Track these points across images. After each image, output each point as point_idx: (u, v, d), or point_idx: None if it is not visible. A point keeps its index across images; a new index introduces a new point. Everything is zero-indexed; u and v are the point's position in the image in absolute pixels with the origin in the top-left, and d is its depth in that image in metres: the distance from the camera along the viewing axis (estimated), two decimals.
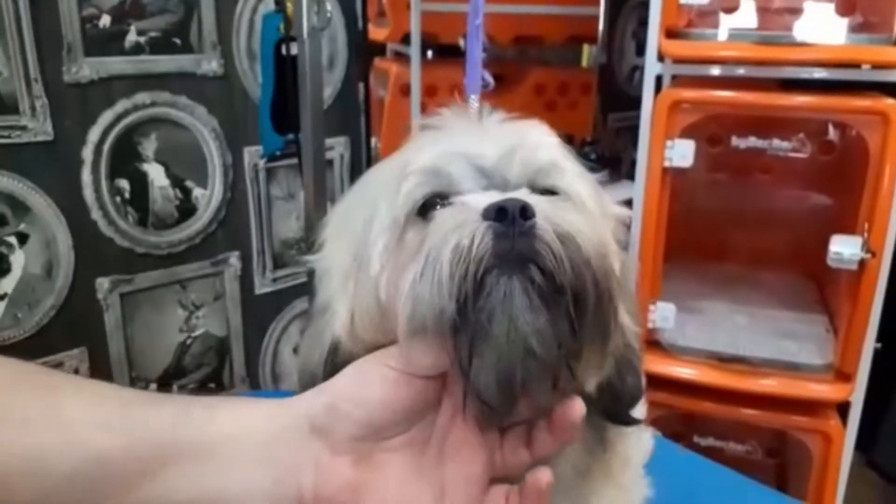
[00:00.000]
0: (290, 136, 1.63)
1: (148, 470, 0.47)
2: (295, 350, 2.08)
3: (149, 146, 1.73)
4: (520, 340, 0.43)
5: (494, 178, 0.50)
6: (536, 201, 0.46)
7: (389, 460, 0.48)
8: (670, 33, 1.50)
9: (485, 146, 0.51)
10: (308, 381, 0.54)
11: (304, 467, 0.48)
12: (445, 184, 0.50)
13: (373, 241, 0.50)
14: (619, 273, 0.49)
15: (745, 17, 1.49)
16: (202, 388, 1.96)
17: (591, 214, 0.50)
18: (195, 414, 0.49)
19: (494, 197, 0.46)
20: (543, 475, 0.47)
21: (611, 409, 0.54)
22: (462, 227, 0.44)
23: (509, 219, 0.44)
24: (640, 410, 0.87)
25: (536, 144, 0.52)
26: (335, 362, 0.53)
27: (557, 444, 0.48)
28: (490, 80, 0.82)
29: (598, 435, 0.56)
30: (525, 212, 0.44)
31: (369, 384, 0.47)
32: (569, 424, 0.47)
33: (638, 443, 0.82)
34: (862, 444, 1.60)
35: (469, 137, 0.52)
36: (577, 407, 0.47)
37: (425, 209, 0.49)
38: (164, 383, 1.87)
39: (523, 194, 0.47)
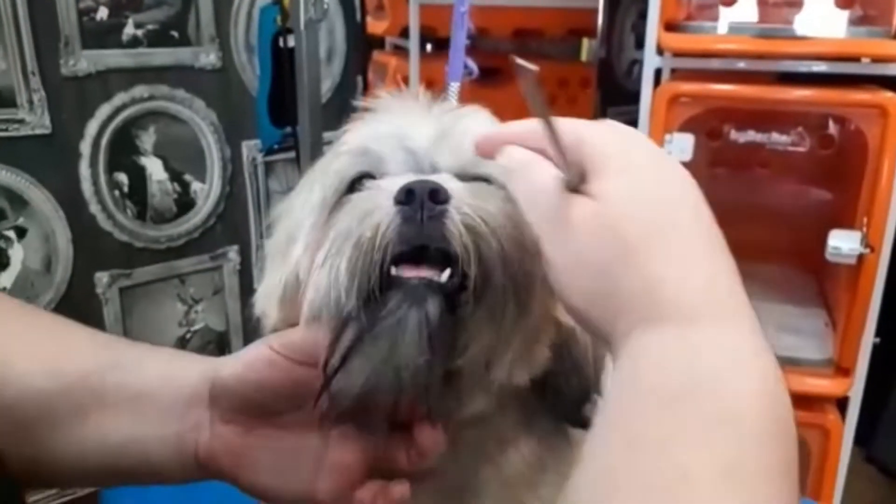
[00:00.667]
0: (288, 129, 1.63)
1: (79, 411, 0.51)
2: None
3: (147, 140, 1.73)
4: (400, 359, 0.43)
5: (423, 162, 0.49)
6: (454, 186, 0.45)
7: (272, 436, 0.50)
8: (669, 26, 1.49)
9: (418, 129, 0.50)
10: None
11: (201, 428, 0.51)
12: (374, 164, 0.50)
13: (303, 221, 0.50)
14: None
15: (745, 10, 1.49)
16: None
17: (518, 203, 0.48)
18: (128, 363, 0.53)
19: (409, 178, 0.45)
20: (397, 490, 0.48)
21: (557, 408, 0.53)
22: (370, 213, 0.44)
23: (417, 202, 0.42)
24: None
25: (472, 131, 0.51)
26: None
27: (418, 462, 0.48)
28: (474, 67, 0.81)
29: (556, 428, 0.55)
30: (436, 195, 0.43)
31: (252, 364, 0.49)
32: (425, 450, 0.48)
33: None
34: (861, 439, 1.60)
35: (405, 120, 0.51)
36: (431, 437, 0.47)
37: (354, 189, 0.49)
38: None
39: (443, 178, 0.46)
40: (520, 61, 0.39)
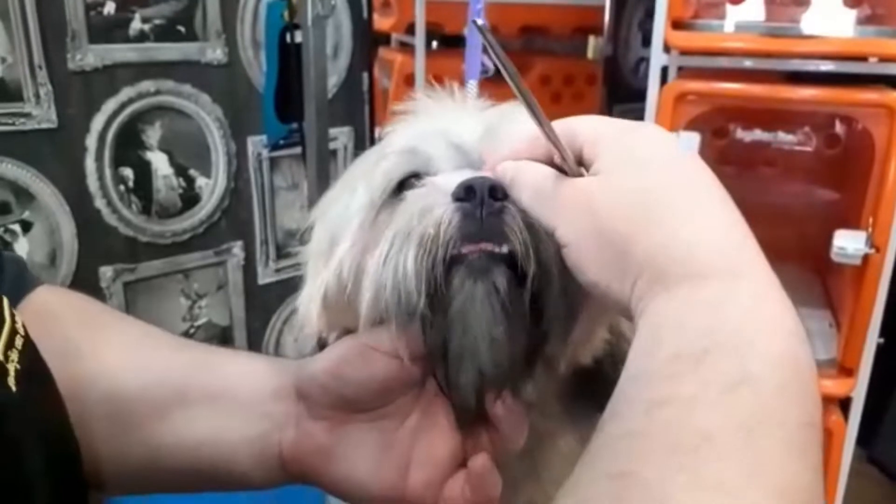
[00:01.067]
0: (294, 125, 1.63)
1: (161, 410, 0.52)
2: (296, 340, 2.08)
3: (153, 134, 1.73)
4: (482, 341, 0.43)
5: (474, 160, 0.49)
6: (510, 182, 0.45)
7: (363, 431, 0.50)
8: (676, 24, 1.49)
9: (464, 126, 0.50)
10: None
11: (287, 426, 0.51)
12: (423, 163, 0.49)
13: (348, 222, 0.50)
14: None
15: (752, 8, 1.48)
16: None
17: None
18: (210, 364, 0.54)
19: (466, 175, 0.45)
20: (477, 461, 0.47)
21: (602, 398, 0.53)
22: (430, 210, 0.43)
23: (478, 198, 0.42)
24: None
25: (518, 125, 0.50)
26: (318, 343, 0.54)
27: (504, 446, 0.48)
28: (490, 65, 0.81)
29: (594, 424, 0.55)
30: (495, 191, 0.43)
31: (345, 358, 0.49)
32: (510, 432, 0.47)
33: None
34: (863, 440, 1.59)
35: (449, 118, 0.51)
36: (512, 417, 0.47)
37: (402, 189, 0.49)
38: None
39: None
40: (477, 21, 0.39)
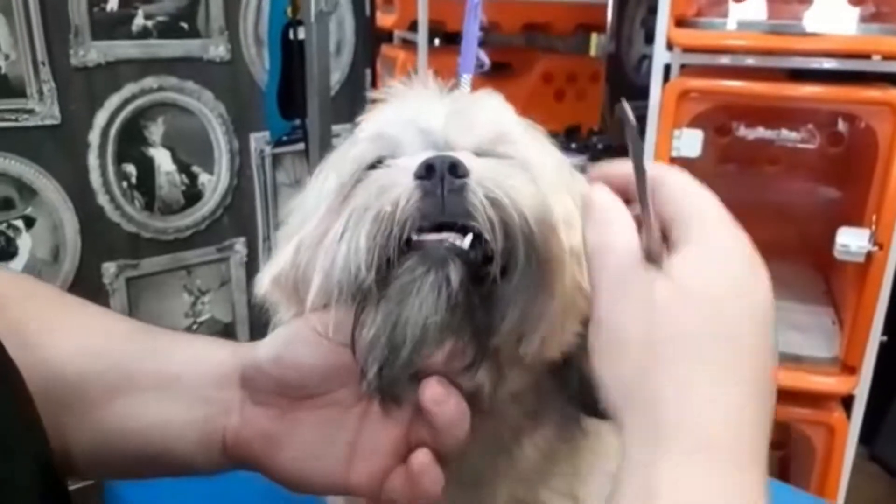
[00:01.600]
0: (297, 122, 1.63)
1: (108, 395, 0.51)
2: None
3: (155, 131, 1.73)
4: (412, 327, 0.42)
5: (440, 143, 0.49)
6: (472, 161, 0.44)
7: (308, 419, 0.49)
8: (679, 22, 1.49)
9: (433, 111, 0.50)
10: None
11: (231, 411, 0.50)
12: (390, 148, 0.49)
13: (317, 207, 0.50)
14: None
15: (755, 6, 1.48)
16: None
17: (540, 182, 0.47)
18: (160, 350, 0.54)
19: (427, 155, 0.45)
20: (417, 456, 0.46)
21: (580, 393, 0.52)
22: (389, 188, 0.43)
23: (437, 175, 0.42)
24: None
25: (487, 110, 0.51)
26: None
27: (444, 440, 0.46)
28: (486, 60, 0.81)
29: (571, 419, 0.54)
30: (455, 169, 0.42)
31: (290, 346, 0.48)
32: (449, 422, 0.45)
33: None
34: (865, 437, 1.59)
35: (418, 104, 0.51)
36: (454, 407, 0.45)
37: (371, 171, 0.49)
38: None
39: (462, 155, 0.46)
40: (626, 107, 0.38)
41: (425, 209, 0.42)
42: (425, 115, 0.50)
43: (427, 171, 0.43)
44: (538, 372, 0.50)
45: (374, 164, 0.49)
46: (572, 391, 0.51)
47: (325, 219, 0.48)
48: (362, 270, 0.42)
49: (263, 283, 0.53)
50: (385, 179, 0.44)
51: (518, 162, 0.49)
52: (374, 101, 0.54)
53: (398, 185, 0.43)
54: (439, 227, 0.43)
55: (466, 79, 0.74)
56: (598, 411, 0.50)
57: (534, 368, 0.49)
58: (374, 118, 0.52)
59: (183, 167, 1.79)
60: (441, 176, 0.42)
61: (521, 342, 0.45)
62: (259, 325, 1.82)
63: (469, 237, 0.42)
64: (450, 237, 0.42)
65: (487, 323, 0.43)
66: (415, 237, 0.42)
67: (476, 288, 0.43)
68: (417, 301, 0.42)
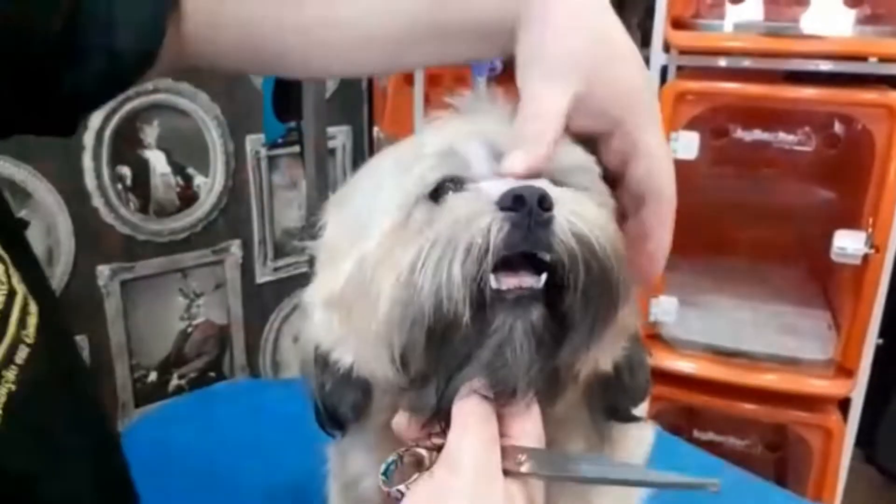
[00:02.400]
0: (293, 124, 1.62)
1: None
2: (295, 339, 2.08)
3: (150, 133, 1.72)
4: (514, 370, 0.43)
5: None
6: (556, 192, 0.44)
7: None
8: (677, 23, 1.49)
9: (501, 127, 0.49)
10: (307, 371, 0.54)
11: None
12: (460, 167, 0.47)
13: (376, 221, 0.48)
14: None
15: (753, 8, 1.48)
16: (202, 377, 1.96)
17: (609, 210, 0.48)
18: None
19: (511, 183, 0.44)
20: None
21: (616, 403, 0.53)
22: (475, 217, 0.42)
23: (526, 208, 0.41)
24: (641, 407, 0.87)
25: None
26: (320, 357, 0.52)
27: None
28: (498, 63, 0.81)
29: (601, 432, 0.55)
30: (543, 201, 0.42)
31: None
32: None
33: (639, 438, 0.81)
34: (861, 440, 1.59)
35: (487, 120, 0.50)
36: None
37: (437, 193, 0.47)
38: (164, 371, 1.87)
39: (543, 183, 0.45)
40: None
41: (511, 241, 0.42)
42: (498, 135, 0.48)
43: (514, 202, 0.42)
44: (585, 385, 0.50)
45: (443, 183, 0.47)
46: (608, 400, 0.52)
47: (391, 237, 0.46)
48: (459, 306, 0.42)
49: (315, 301, 0.51)
50: (469, 208, 0.43)
51: (592, 193, 0.48)
52: (437, 111, 0.53)
53: (485, 215, 0.42)
54: (519, 255, 0.43)
55: (480, 81, 0.74)
56: (625, 414, 0.53)
57: (584, 383, 0.49)
58: (439, 132, 0.49)
59: (178, 169, 1.79)
60: (530, 209, 0.42)
61: (582, 362, 0.46)
62: (253, 327, 1.81)
63: (544, 276, 0.43)
64: (528, 282, 0.43)
65: (565, 358, 0.45)
66: (494, 283, 0.42)
67: (552, 322, 0.44)
68: (509, 351, 0.43)
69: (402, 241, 0.45)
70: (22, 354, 0.44)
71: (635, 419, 0.54)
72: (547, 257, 0.42)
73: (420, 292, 0.42)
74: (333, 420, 0.54)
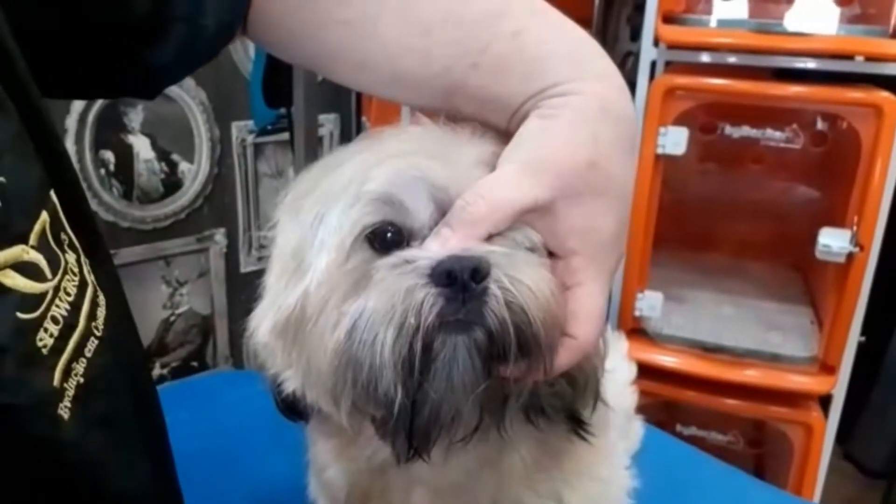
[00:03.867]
0: (282, 110, 1.61)
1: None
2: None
3: (135, 117, 1.70)
4: (454, 410, 0.45)
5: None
6: (491, 255, 0.44)
7: None
8: (667, 18, 1.49)
9: (445, 171, 0.47)
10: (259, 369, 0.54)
11: None
12: (398, 214, 0.47)
13: (316, 249, 0.48)
14: None
15: (743, 4, 1.48)
16: (185, 366, 1.94)
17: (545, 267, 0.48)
18: None
19: (444, 250, 0.44)
20: None
21: (572, 407, 0.53)
22: (408, 294, 0.43)
23: (459, 284, 0.42)
24: (630, 399, 0.87)
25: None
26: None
27: None
28: None
29: (546, 445, 0.55)
30: (476, 274, 0.42)
31: None
32: None
33: (625, 434, 0.81)
34: (840, 437, 1.61)
35: (429, 159, 0.48)
36: None
37: (375, 235, 0.47)
38: (146, 361, 1.85)
39: (478, 243, 0.45)
40: None
41: (444, 315, 0.43)
42: (436, 175, 0.47)
43: (448, 278, 0.42)
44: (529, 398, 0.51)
45: (383, 227, 0.47)
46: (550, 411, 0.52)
47: (326, 278, 0.47)
48: (390, 386, 0.43)
49: (262, 329, 0.51)
50: (401, 285, 0.43)
51: (528, 242, 0.48)
52: (375, 138, 0.52)
53: (417, 292, 0.43)
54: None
55: None
56: (576, 427, 0.53)
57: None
58: (379, 171, 0.48)
59: (162, 155, 1.77)
60: (462, 285, 0.42)
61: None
62: (238, 317, 1.79)
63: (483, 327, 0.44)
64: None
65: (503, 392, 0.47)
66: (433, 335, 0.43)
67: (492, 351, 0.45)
68: (458, 373, 0.44)
69: (339, 288, 0.46)
70: (91, 347, 0.44)
71: (585, 432, 0.54)
72: (478, 330, 0.43)
73: (354, 369, 0.44)
74: (293, 411, 0.55)
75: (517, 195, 0.46)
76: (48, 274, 0.42)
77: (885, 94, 1.34)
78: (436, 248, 0.45)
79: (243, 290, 2.00)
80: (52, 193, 0.44)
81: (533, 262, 0.46)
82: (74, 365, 0.43)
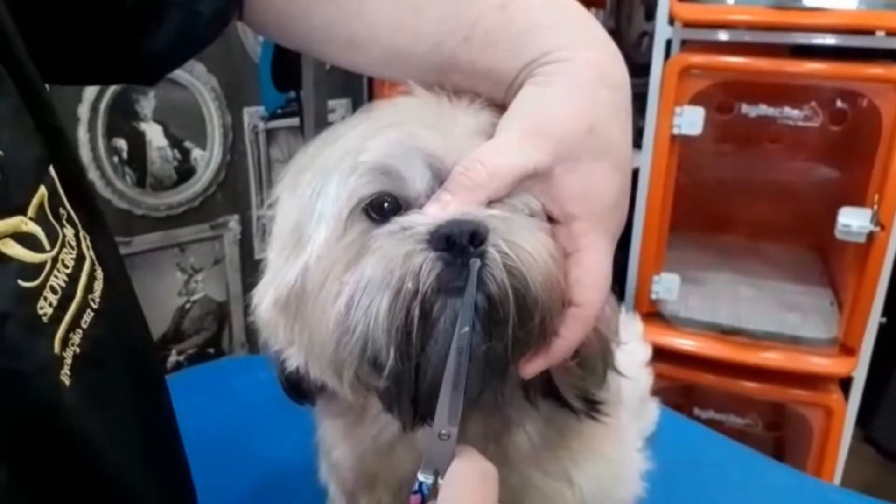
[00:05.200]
0: (292, 94, 1.60)
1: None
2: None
3: (147, 105, 1.70)
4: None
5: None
6: (489, 219, 0.43)
7: None
8: None
9: (441, 140, 0.47)
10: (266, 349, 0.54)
11: None
12: (395, 184, 0.47)
13: (315, 222, 0.48)
14: None
15: None
16: (201, 353, 1.95)
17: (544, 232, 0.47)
18: None
19: (443, 214, 0.44)
20: None
21: (585, 388, 0.53)
22: (406, 259, 0.42)
23: (458, 247, 0.42)
24: (645, 381, 0.86)
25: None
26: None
27: None
28: None
29: (555, 424, 0.55)
30: (475, 238, 0.42)
31: None
32: None
33: (639, 416, 0.80)
34: (860, 419, 1.59)
35: (425, 129, 0.48)
36: None
37: (372, 206, 0.47)
38: (162, 347, 1.86)
39: (475, 209, 0.44)
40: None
41: (444, 278, 0.42)
42: (432, 144, 0.47)
43: (447, 243, 0.42)
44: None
45: (380, 197, 0.47)
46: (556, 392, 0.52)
47: (325, 250, 0.47)
48: (382, 350, 0.43)
49: (264, 304, 0.51)
50: (400, 250, 0.43)
51: (528, 209, 0.47)
52: (372, 111, 0.52)
53: (415, 257, 0.42)
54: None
55: None
56: (581, 407, 0.52)
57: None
58: (376, 142, 0.47)
59: (175, 142, 1.77)
60: (461, 248, 0.42)
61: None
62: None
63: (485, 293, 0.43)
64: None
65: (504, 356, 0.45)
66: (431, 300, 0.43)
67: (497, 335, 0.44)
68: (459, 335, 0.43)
69: (339, 261, 0.46)
70: (87, 319, 0.45)
71: (597, 412, 0.54)
72: (478, 294, 0.42)
73: (350, 337, 0.43)
74: (296, 392, 0.55)
75: (517, 161, 0.45)
76: (46, 245, 0.43)
77: None
78: (434, 213, 0.44)
79: (258, 277, 2.00)
80: (51, 169, 0.45)
81: (532, 226, 0.46)
82: (72, 335, 0.43)
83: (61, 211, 0.46)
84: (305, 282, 0.47)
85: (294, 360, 0.50)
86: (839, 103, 1.64)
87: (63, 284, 0.43)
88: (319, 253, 0.47)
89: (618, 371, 0.55)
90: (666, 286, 1.55)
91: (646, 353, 0.88)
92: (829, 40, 1.40)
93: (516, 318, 0.43)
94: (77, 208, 0.48)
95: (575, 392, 0.51)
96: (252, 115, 1.85)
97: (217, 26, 0.59)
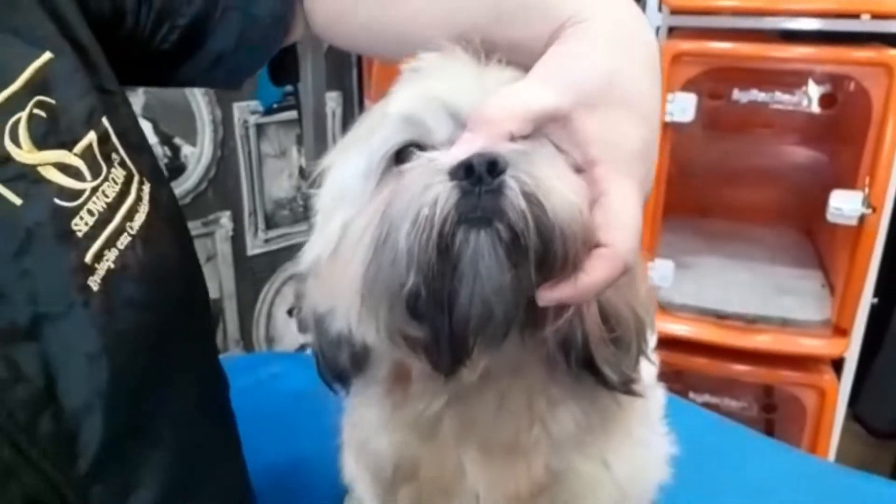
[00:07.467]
0: (289, 88, 1.59)
1: None
2: (289, 312, 2.06)
3: (136, 101, 1.68)
4: (482, 305, 0.43)
5: None
6: (509, 153, 0.43)
7: None
8: None
9: (464, 91, 0.48)
10: (304, 327, 0.55)
11: None
12: (419, 133, 0.48)
13: (350, 187, 0.50)
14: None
15: None
16: None
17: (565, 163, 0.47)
18: None
19: (466, 150, 0.44)
20: None
21: (618, 365, 0.52)
22: (425, 190, 0.42)
23: (476, 176, 0.42)
24: (650, 370, 0.87)
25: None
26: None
27: None
28: None
29: (594, 409, 0.55)
30: (494, 167, 0.42)
31: None
32: None
33: (645, 409, 0.81)
34: (853, 399, 1.61)
35: (449, 81, 0.49)
36: None
37: (401, 157, 0.48)
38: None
39: (497, 142, 0.45)
40: None
41: (462, 208, 0.42)
42: (456, 96, 0.48)
43: (466, 172, 0.42)
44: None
45: (404, 149, 0.48)
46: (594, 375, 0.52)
47: (358, 205, 0.48)
48: (402, 275, 0.43)
49: (306, 259, 0.53)
50: (420, 182, 0.43)
51: (551, 144, 0.47)
52: (406, 71, 0.52)
53: (435, 187, 0.43)
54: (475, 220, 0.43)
55: None
56: (618, 386, 0.53)
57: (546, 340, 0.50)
58: (402, 95, 0.49)
59: (165, 139, 1.75)
60: (479, 177, 0.42)
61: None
62: (246, 300, 1.78)
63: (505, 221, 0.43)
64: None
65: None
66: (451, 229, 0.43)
67: (520, 268, 0.44)
68: (485, 266, 0.43)
69: (372, 210, 0.46)
70: (124, 241, 0.51)
71: (628, 390, 0.53)
72: (499, 224, 0.42)
73: (381, 268, 0.44)
74: (334, 372, 0.56)
75: (536, 98, 0.46)
76: (88, 177, 0.51)
77: (894, 53, 1.33)
78: (458, 150, 0.45)
79: (251, 274, 2.00)
80: (105, 120, 0.54)
81: (554, 160, 0.46)
82: (106, 252, 0.50)
83: (114, 156, 0.54)
84: (344, 236, 0.49)
85: (337, 321, 0.51)
86: (829, 87, 1.66)
87: (101, 209, 0.51)
88: (354, 208, 0.48)
89: (648, 357, 0.55)
90: (660, 273, 1.57)
91: (652, 339, 0.88)
92: (815, 24, 1.41)
93: (539, 246, 0.43)
94: (134, 160, 0.56)
95: (611, 367, 0.51)
96: (242, 110, 1.84)
97: (278, 33, 0.65)
